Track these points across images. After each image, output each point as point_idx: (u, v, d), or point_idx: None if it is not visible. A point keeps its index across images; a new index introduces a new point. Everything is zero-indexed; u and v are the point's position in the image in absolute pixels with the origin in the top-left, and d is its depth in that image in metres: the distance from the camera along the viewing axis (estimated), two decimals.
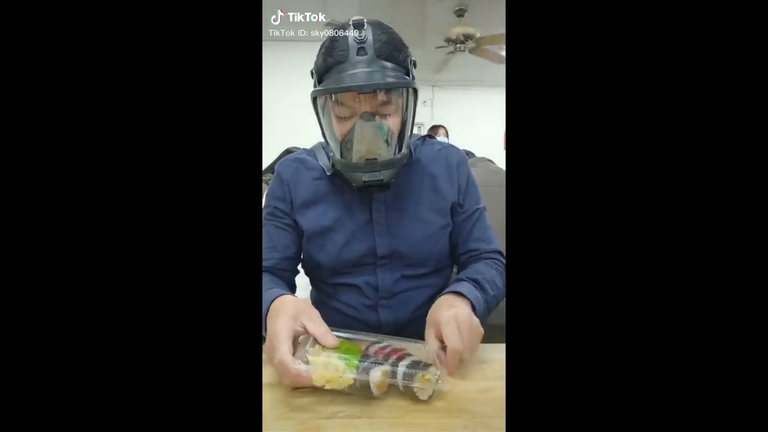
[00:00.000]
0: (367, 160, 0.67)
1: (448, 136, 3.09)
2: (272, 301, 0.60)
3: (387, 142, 0.68)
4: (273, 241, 0.79)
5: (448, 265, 0.84)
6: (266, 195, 0.83)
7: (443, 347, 0.58)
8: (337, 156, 0.71)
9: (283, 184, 0.80)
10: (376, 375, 0.51)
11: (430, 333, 0.61)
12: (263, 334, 0.60)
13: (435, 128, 3.22)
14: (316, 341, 0.54)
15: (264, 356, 0.54)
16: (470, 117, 4.70)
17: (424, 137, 0.86)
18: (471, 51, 3.70)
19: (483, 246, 0.81)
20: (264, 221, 0.81)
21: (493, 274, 0.75)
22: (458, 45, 3.57)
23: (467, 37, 3.51)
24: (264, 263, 0.78)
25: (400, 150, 0.70)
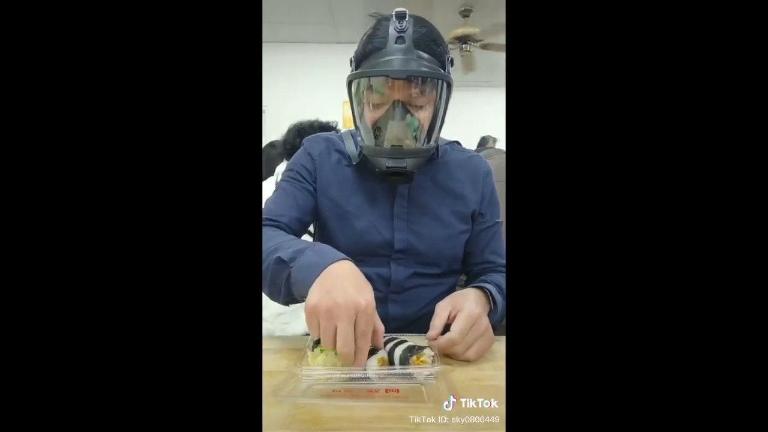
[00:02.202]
0: (393, 146, 0.68)
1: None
2: (334, 262, 0.54)
3: (416, 137, 0.69)
4: (293, 200, 0.77)
5: (459, 269, 0.85)
6: (290, 161, 0.83)
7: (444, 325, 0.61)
8: (366, 141, 0.71)
9: (310, 157, 0.80)
10: (372, 364, 0.52)
11: (445, 308, 0.62)
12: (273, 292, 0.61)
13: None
14: (315, 344, 0.54)
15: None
16: (477, 118, 4.69)
17: (452, 142, 0.87)
18: (484, 47, 3.69)
19: (497, 259, 0.82)
20: (283, 181, 0.80)
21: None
22: (463, 46, 3.57)
23: (468, 38, 3.52)
24: (278, 218, 0.74)
25: (428, 142, 0.71)
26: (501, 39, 3.59)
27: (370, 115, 0.70)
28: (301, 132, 1.50)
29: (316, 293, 0.50)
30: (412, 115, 0.68)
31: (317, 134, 0.84)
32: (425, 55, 0.67)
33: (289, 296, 0.60)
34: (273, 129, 1.92)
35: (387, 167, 0.68)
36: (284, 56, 3.75)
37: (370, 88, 0.68)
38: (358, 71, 0.69)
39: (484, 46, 3.65)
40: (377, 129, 0.69)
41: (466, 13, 3.52)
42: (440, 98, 0.69)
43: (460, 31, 3.51)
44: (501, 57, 3.78)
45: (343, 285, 0.50)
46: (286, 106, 3.52)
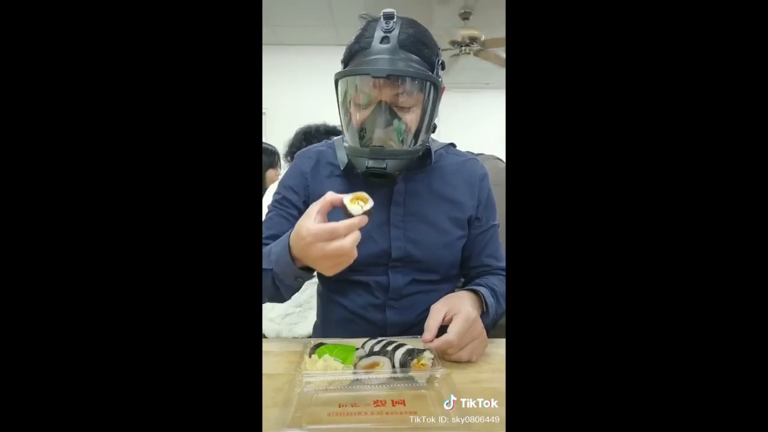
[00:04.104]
0: (374, 146, 0.67)
1: None
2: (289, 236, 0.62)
3: (401, 140, 0.68)
4: (273, 228, 0.78)
5: (457, 274, 0.84)
6: (279, 182, 0.83)
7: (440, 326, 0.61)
8: (350, 142, 0.71)
9: (299, 175, 0.80)
10: (368, 362, 0.53)
11: (440, 309, 0.63)
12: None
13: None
14: (313, 350, 0.56)
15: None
16: (475, 119, 4.69)
17: (447, 145, 0.85)
18: (476, 53, 3.70)
19: (494, 263, 0.82)
20: (272, 204, 0.81)
21: (504, 290, 0.76)
22: (463, 47, 3.58)
23: (472, 40, 3.52)
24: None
25: (414, 144, 0.70)
26: (492, 48, 3.60)
27: (356, 117, 0.69)
28: (308, 136, 1.50)
29: (294, 250, 0.61)
30: (399, 118, 0.67)
31: (309, 147, 0.84)
32: (412, 56, 0.66)
33: (276, 291, 0.68)
34: (273, 132, 1.92)
35: (367, 167, 0.67)
36: (285, 59, 3.76)
37: (355, 88, 0.68)
38: (341, 70, 0.69)
39: (476, 53, 3.65)
40: (363, 130, 0.68)
41: (465, 16, 3.52)
42: (428, 100, 0.68)
43: (462, 33, 3.52)
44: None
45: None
46: (286, 108, 3.52)
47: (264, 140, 1.68)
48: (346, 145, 0.73)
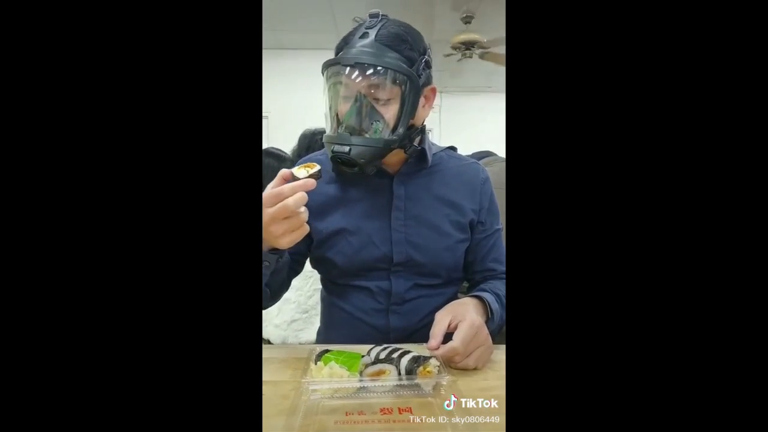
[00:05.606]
0: (342, 132, 0.68)
1: None
2: None
3: (376, 129, 0.68)
4: None
5: (460, 277, 0.85)
6: None
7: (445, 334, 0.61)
8: (327, 132, 0.72)
9: None
10: (374, 369, 0.53)
11: (445, 317, 0.63)
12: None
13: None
14: (318, 357, 0.56)
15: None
16: (477, 122, 4.71)
17: (448, 148, 0.86)
18: (481, 56, 3.71)
19: (498, 267, 0.82)
20: None
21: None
22: (465, 52, 3.59)
23: (470, 44, 3.54)
24: None
25: (390, 136, 0.69)
26: (499, 50, 3.61)
27: (341, 108, 0.70)
28: (319, 140, 1.50)
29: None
30: (379, 115, 0.68)
31: (309, 156, 0.85)
32: (386, 51, 0.67)
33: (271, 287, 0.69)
34: (275, 136, 1.92)
35: (332, 152, 0.68)
36: (286, 63, 3.77)
37: (333, 79, 0.70)
38: (324, 61, 0.71)
39: (482, 56, 3.67)
40: (342, 122, 0.70)
41: (467, 20, 3.53)
42: (405, 94, 0.69)
43: (461, 38, 3.53)
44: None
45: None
46: (287, 113, 3.54)
47: (265, 144, 1.68)
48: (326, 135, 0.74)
